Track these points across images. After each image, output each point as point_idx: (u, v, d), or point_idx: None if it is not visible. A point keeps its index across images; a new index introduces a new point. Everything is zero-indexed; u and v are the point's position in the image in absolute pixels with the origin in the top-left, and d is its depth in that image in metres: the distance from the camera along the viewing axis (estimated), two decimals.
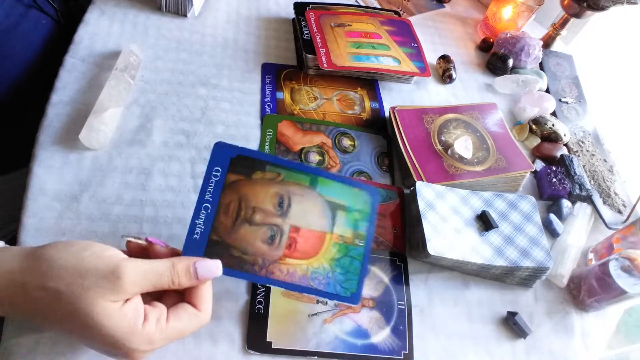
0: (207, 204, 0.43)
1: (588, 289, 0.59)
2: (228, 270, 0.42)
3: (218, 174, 0.44)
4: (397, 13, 0.86)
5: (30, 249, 0.36)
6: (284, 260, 0.44)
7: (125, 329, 0.34)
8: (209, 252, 0.42)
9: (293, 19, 0.82)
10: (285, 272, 0.44)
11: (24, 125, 0.62)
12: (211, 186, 0.44)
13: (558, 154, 0.73)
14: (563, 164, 0.71)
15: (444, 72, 0.80)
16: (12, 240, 0.49)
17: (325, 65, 0.70)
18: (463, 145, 0.66)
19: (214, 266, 0.40)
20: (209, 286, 0.40)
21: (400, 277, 0.56)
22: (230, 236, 0.43)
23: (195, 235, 0.42)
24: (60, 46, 0.66)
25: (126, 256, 0.37)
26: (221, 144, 0.45)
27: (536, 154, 0.74)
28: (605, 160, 0.76)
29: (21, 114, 0.66)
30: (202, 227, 0.43)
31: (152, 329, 0.35)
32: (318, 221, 0.46)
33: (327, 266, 0.45)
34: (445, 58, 0.82)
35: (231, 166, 0.45)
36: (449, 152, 0.66)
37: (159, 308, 0.37)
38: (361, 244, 0.47)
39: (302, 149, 0.64)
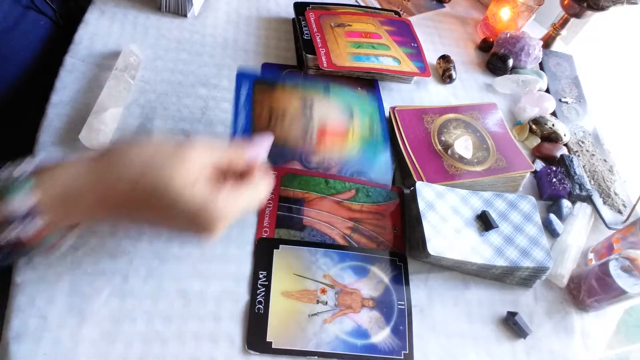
0: (242, 116, 0.52)
1: (588, 289, 0.59)
2: (276, 149, 0.48)
3: (245, 92, 0.53)
4: (397, 13, 0.86)
5: (90, 154, 0.39)
6: (319, 151, 0.53)
7: (200, 203, 0.37)
8: None
9: (293, 19, 0.82)
10: (320, 159, 0.54)
11: (23, 125, 0.62)
12: (241, 102, 0.52)
13: (558, 154, 0.73)
14: (563, 164, 0.71)
15: (444, 72, 0.80)
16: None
17: (325, 65, 0.70)
18: (463, 145, 0.66)
19: (264, 143, 0.44)
20: (260, 165, 0.44)
21: (400, 277, 0.56)
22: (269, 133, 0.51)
23: (237, 134, 0.50)
24: (59, 46, 0.66)
25: (183, 142, 0.40)
26: (243, 71, 0.55)
27: (536, 154, 0.74)
28: (605, 160, 0.76)
29: (21, 114, 0.66)
30: (242, 124, 0.51)
31: (223, 202, 0.38)
32: (338, 119, 0.55)
33: (355, 155, 0.54)
34: (445, 58, 0.82)
35: (255, 85, 0.54)
36: (449, 152, 0.66)
37: (224, 185, 0.40)
38: (379, 137, 0.56)
39: None
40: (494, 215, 0.60)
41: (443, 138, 0.67)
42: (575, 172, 0.70)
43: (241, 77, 0.54)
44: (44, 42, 0.69)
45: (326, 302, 0.52)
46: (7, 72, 0.64)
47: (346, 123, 0.55)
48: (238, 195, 0.40)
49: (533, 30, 0.93)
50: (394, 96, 0.76)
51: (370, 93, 0.60)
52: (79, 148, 0.56)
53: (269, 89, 0.54)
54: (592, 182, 0.72)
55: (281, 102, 0.53)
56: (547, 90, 0.84)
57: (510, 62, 0.83)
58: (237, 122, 0.51)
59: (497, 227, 0.59)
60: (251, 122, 0.51)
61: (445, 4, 0.97)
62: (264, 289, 0.51)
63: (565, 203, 0.67)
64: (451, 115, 0.71)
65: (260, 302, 0.50)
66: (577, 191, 0.68)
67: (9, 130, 0.68)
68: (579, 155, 0.75)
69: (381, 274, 0.56)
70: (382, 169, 0.54)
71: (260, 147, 0.44)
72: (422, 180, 0.61)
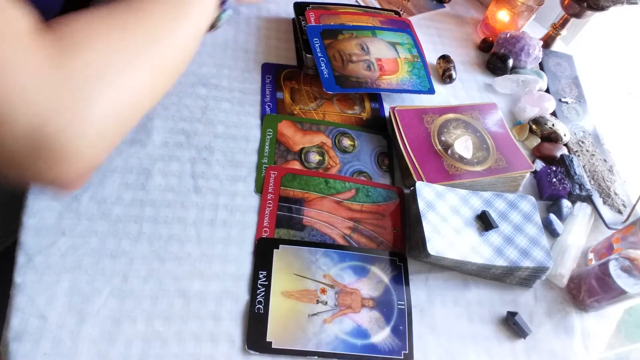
0: (323, 59, 0.68)
1: (588, 289, 0.59)
2: (353, 88, 0.68)
3: (318, 42, 0.70)
4: (397, 13, 0.86)
5: None
6: (382, 78, 0.70)
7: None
8: (338, 82, 0.67)
9: (293, 19, 0.82)
10: (386, 84, 0.69)
11: None
12: (319, 49, 0.69)
13: (558, 154, 0.73)
14: (563, 164, 0.71)
15: (444, 72, 0.80)
16: (12, 245, 0.49)
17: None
18: (463, 145, 0.66)
19: None
20: None
21: (400, 277, 0.56)
22: (344, 71, 0.68)
23: (326, 75, 0.67)
24: None
25: None
26: (311, 26, 0.71)
27: (536, 154, 0.74)
28: (605, 160, 0.76)
29: None
30: (327, 70, 0.67)
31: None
32: (389, 53, 0.73)
33: (407, 76, 0.72)
34: (445, 58, 0.82)
35: (323, 35, 0.71)
36: (449, 152, 0.66)
37: None
38: (419, 60, 0.75)
39: (302, 149, 0.64)
40: (494, 215, 0.60)
41: (443, 138, 0.67)
42: (575, 172, 0.70)
43: (312, 31, 0.70)
44: None
45: (326, 302, 0.52)
46: None
47: (395, 57, 0.73)
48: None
49: (533, 30, 0.93)
50: (393, 96, 0.76)
51: (405, 31, 0.78)
52: None
53: (333, 36, 0.71)
54: (592, 182, 0.72)
55: (345, 46, 0.71)
56: (547, 90, 0.84)
57: (510, 62, 0.83)
58: (320, 66, 0.67)
59: (497, 227, 0.59)
60: (331, 64, 0.67)
61: (445, 4, 0.97)
62: (264, 289, 0.51)
63: (565, 203, 0.67)
64: (451, 115, 0.71)
65: (260, 302, 0.50)
66: (577, 191, 0.68)
67: None
68: (579, 155, 0.75)
69: (381, 274, 0.56)
70: (422, 78, 0.73)
71: None
72: (422, 180, 0.61)
